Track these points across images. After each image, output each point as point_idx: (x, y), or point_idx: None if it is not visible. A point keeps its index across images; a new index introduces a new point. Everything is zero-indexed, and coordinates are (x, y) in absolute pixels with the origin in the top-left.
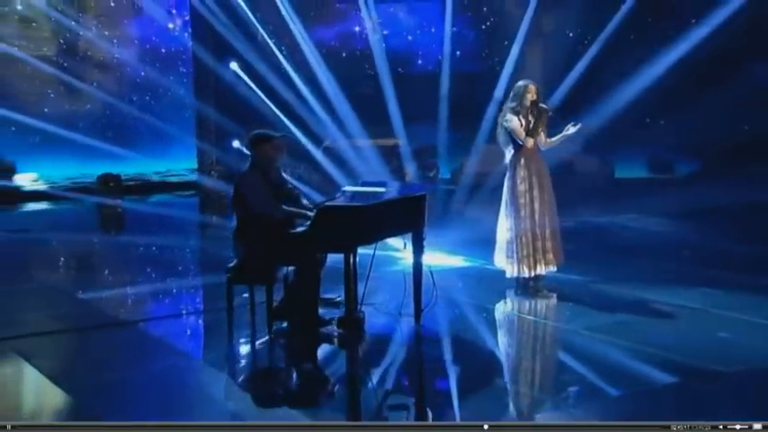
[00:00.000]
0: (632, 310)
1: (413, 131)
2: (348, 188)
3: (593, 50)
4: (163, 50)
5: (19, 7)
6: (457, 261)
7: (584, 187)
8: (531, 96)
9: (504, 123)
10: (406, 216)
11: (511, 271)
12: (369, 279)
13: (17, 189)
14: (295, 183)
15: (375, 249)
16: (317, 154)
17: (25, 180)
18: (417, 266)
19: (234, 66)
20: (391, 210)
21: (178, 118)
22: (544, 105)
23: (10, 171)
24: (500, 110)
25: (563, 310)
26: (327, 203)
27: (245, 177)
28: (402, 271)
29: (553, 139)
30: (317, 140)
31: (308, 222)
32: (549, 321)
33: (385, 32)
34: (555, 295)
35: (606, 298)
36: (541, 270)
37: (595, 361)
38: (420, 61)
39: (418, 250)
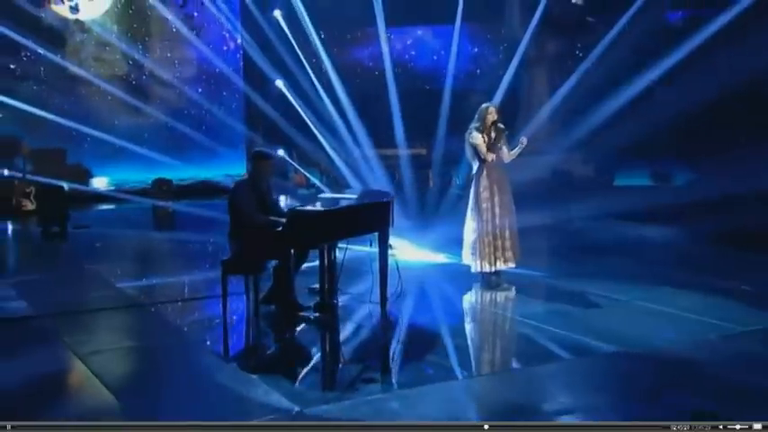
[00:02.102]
0: (569, 302)
1: (436, 142)
2: (323, 195)
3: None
4: (217, 70)
5: (95, 34)
6: (439, 258)
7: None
8: (491, 117)
9: (470, 140)
10: (371, 219)
11: (474, 266)
12: (341, 271)
13: (86, 192)
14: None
15: (347, 246)
16: (347, 162)
17: (98, 183)
18: (383, 262)
19: (279, 83)
20: (354, 214)
21: (230, 129)
22: (501, 125)
23: (86, 176)
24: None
25: (516, 300)
26: (297, 209)
27: (237, 188)
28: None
29: (513, 151)
30: (348, 150)
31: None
32: (500, 310)
33: (412, 53)
34: (513, 288)
35: (553, 291)
36: (501, 266)
37: (527, 340)
38: (444, 79)
39: (383, 248)
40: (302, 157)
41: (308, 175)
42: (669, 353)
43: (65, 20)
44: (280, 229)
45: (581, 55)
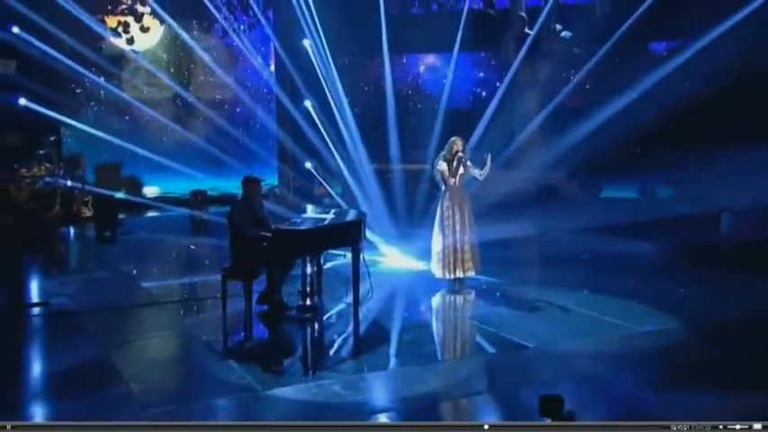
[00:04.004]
0: (515, 306)
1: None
2: (305, 215)
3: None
4: (253, 92)
5: (147, 62)
6: (420, 265)
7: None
8: (456, 148)
9: (436, 167)
10: (345, 235)
11: (438, 274)
12: (322, 276)
13: (134, 201)
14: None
15: (325, 258)
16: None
17: (149, 193)
18: (355, 270)
19: (307, 103)
20: (328, 231)
21: (264, 144)
22: (462, 154)
23: (136, 187)
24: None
25: (469, 303)
26: (279, 227)
27: (234, 206)
28: (382, 273)
29: (484, 170)
30: (359, 167)
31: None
32: (454, 311)
33: (425, 77)
34: (473, 292)
35: (505, 296)
36: (461, 274)
37: (465, 336)
38: (451, 99)
39: (355, 258)
40: (326, 172)
41: (328, 188)
42: (572, 349)
43: (121, 50)
44: (267, 243)
45: (571, 79)
